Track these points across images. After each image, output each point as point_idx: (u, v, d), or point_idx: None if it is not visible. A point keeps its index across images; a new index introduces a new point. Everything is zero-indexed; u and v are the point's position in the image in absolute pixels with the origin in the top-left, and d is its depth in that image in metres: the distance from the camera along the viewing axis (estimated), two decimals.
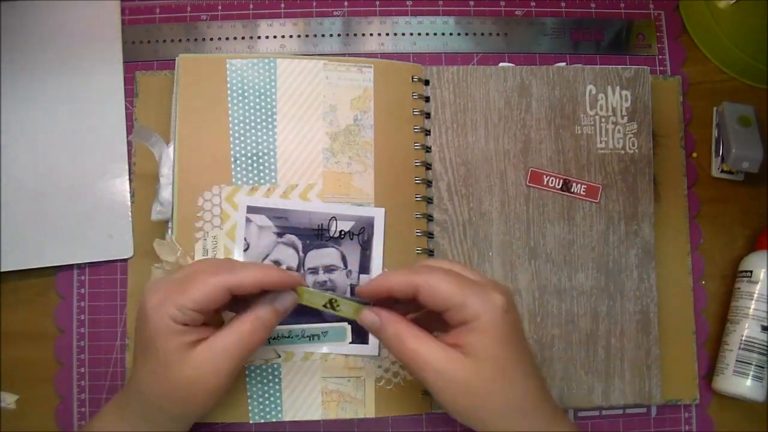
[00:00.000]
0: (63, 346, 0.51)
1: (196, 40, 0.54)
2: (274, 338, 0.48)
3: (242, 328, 0.39)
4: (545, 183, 0.52)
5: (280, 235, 0.48)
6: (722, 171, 0.56)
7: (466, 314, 0.37)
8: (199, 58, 0.50)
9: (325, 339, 0.48)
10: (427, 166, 0.51)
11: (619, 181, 0.53)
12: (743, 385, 0.51)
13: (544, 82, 0.53)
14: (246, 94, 0.49)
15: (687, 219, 0.55)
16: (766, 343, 0.51)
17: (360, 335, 0.48)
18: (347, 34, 0.55)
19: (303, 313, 0.48)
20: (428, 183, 0.51)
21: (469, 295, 0.38)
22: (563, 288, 0.52)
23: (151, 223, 0.50)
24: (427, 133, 0.52)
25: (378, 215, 0.49)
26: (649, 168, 0.53)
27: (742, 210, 0.56)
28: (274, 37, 0.55)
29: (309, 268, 0.48)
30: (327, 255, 0.49)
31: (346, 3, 0.56)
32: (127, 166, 0.52)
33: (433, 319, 0.40)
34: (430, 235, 0.51)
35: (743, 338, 0.51)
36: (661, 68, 0.57)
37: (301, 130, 0.50)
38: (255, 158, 0.49)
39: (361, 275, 0.49)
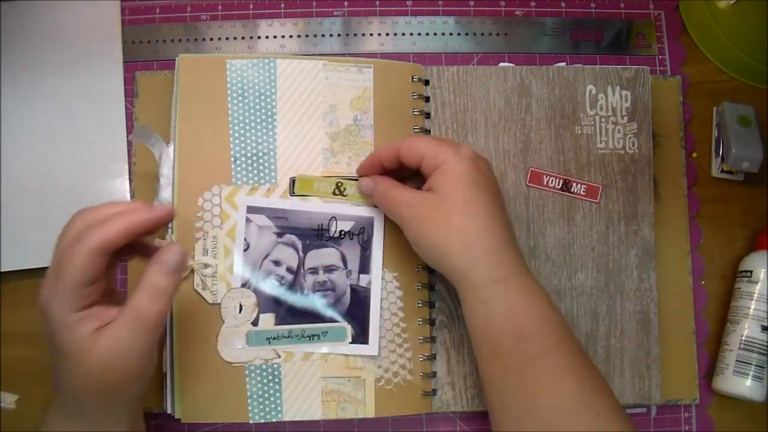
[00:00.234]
0: None
1: (196, 40, 0.54)
2: (274, 338, 0.48)
3: (139, 304, 0.36)
4: (545, 183, 0.52)
5: (280, 235, 0.48)
6: (722, 171, 0.56)
7: (437, 160, 0.43)
8: (199, 58, 0.50)
9: (325, 339, 0.48)
10: None
11: (619, 181, 0.53)
12: (743, 385, 0.51)
13: (544, 82, 0.53)
14: (246, 94, 0.49)
15: (687, 219, 0.55)
16: (766, 343, 0.51)
17: (360, 335, 0.48)
18: (347, 34, 0.55)
19: (303, 313, 0.48)
20: None
21: (441, 146, 0.44)
22: (563, 288, 0.52)
23: None
24: (427, 133, 0.52)
25: (378, 215, 0.49)
26: (649, 168, 0.53)
27: (742, 210, 0.56)
28: (274, 37, 0.55)
29: (309, 268, 0.48)
30: (327, 255, 0.49)
31: (346, 3, 0.56)
32: (127, 166, 0.52)
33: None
34: None
35: (743, 338, 0.51)
36: (661, 68, 0.57)
37: (301, 130, 0.50)
38: (255, 158, 0.49)
39: (361, 275, 0.49)
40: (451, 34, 0.56)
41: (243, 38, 0.55)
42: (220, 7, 0.55)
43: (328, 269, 0.49)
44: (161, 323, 0.37)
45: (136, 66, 0.53)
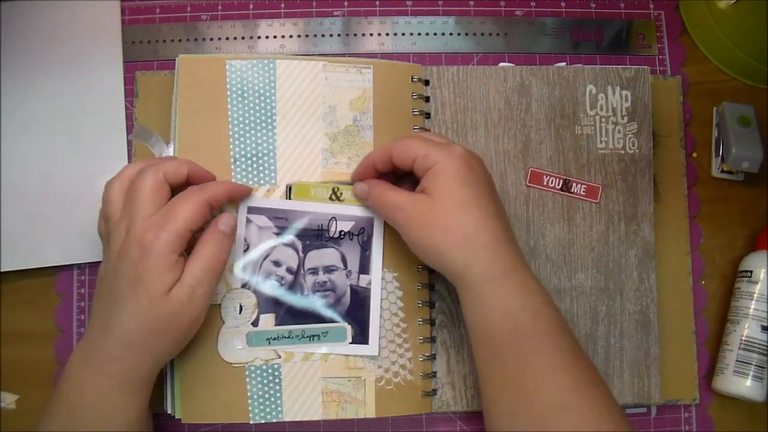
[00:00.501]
0: (63, 346, 0.51)
1: (196, 40, 0.54)
2: (275, 339, 0.48)
3: (210, 254, 0.41)
4: (545, 183, 0.52)
5: (280, 235, 0.48)
6: (722, 171, 0.56)
7: (429, 161, 0.43)
8: (198, 58, 0.50)
9: (325, 339, 0.48)
10: None
11: (619, 181, 0.53)
12: (743, 385, 0.51)
13: (544, 82, 0.53)
14: (245, 94, 0.49)
15: (687, 219, 0.55)
16: (766, 343, 0.51)
17: (360, 335, 0.48)
18: (347, 34, 0.55)
19: (303, 313, 0.48)
20: None
21: (432, 146, 0.44)
22: (563, 288, 0.52)
23: None
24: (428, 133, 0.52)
25: (378, 216, 0.49)
26: (649, 168, 0.53)
27: (742, 210, 0.56)
28: (274, 37, 0.55)
29: (309, 269, 0.48)
30: (327, 255, 0.49)
31: (346, 3, 0.56)
32: None
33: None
34: None
35: (743, 338, 0.51)
36: (661, 68, 0.57)
37: (300, 131, 0.50)
38: (255, 159, 0.49)
39: (361, 275, 0.49)
40: (451, 34, 0.56)
41: (243, 38, 0.55)
42: (220, 7, 0.55)
43: (328, 270, 0.49)
44: (219, 277, 0.43)
45: (136, 66, 0.53)
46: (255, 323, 0.47)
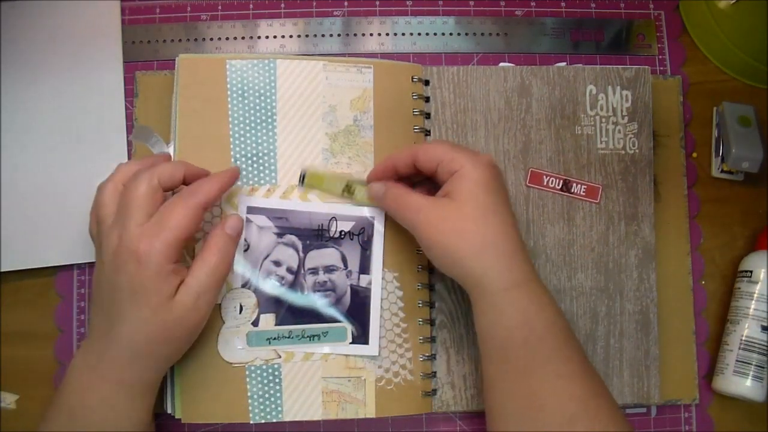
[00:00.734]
0: (63, 346, 0.51)
1: (196, 40, 0.54)
2: (275, 338, 0.48)
3: (211, 261, 0.41)
4: (545, 183, 0.52)
5: (280, 235, 0.48)
6: (722, 171, 0.56)
7: (454, 165, 0.43)
8: (198, 58, 0.50)
9: (325, 339, 0.48)
10: None
11: (619, 182, 0.53)
12: (743, 385, 0.51)
13: (545, 82, 0.53)
14: (246, 94, 0.49)
15: (687, 219, 0.55)
16: (766, 343, 0.51)
17: (360, 335, 0.48)
18: (347, 34, 0.55)
19: (303, 313, 0.48)
20: None
21: (458, 151, 0.43)
22: (563, 288, 0.52)
23: None
24: (427, 133, 0.52)
25: (378, 215, 0.49)
26: (650, 168, 0.53)
27: (742, 210, 0.56)
28: (274, 37, 0.55)
29: (309, 269, 0.48)
30: (327, 255, 0.49)
31: (346, 3, 0.56)
32: None
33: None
34: None
35: (743, 338, 0.51)
36: (661, 68, 0.57)
37: (301, 131, 0.50)
38: (255, 158, 0.49)
39: (361, 275, 0.49)
40: (451, 34, 0.56)
41: (243, 38, 0.55)
42: (220, 7, 0.55)
43: (329, 269, 0.49)
44: (222, 283, 0.42)
45: (136, 66, 0.53)
46: (255, 323, 0.47)
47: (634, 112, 0.53)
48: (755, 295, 0.52)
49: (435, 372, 0.50)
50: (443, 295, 0.51)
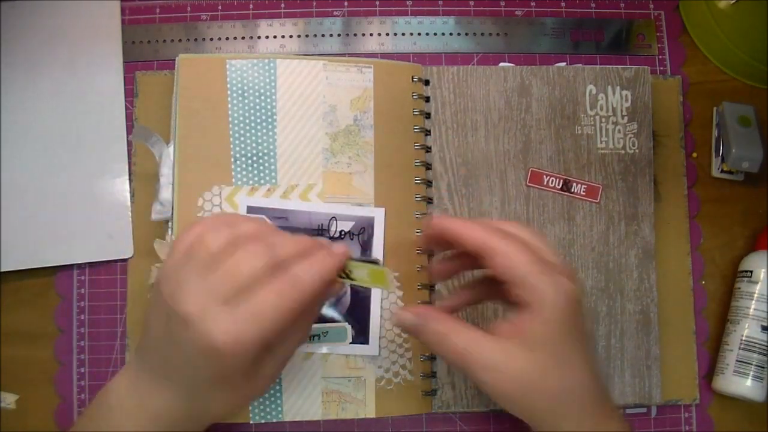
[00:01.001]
0: (63, 346, 0.51)
1: (196, 40, 0.54)
2: None
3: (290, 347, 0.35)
4: (545, 183, 0.52)
5: None
6: (722, 171, 0.56)
7: (533, 296, 0.35)
8: (198, 58, 0.50)
9: (326, 339, 0.48)
10: (427, 166, 0.51)
11: (619, 181, 0.53)
12: (743, 385, 0.51)
13: (544, 82, 0.53)
14: (246, 94, 0.49)
15: (687, 219, 0.55)
16: (766, 343, 0.51)
17: (360, 335, 0.48)
18: (347, 34, 0.55)
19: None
20: (428, 183, 0.51)
21: (542, 277, 0.35)
22: None
23: (151, 223, 0.50)
24: (427, 133, 0.52)
25: (378, 215, 0.49)
26: (649, 168, 0.53)
27: (742, 210, 0.56)
28: (274, 37, 0.55)
29: None
30: None
31: (346, 3, 0.56)
32: (127, 166, 0.52)
33: (486, 284, 0.41)
34: None
35: (743, 338, 0.51)
36: (661, 68, 0.57)
37: (301, 131, 0.50)
38: (255, 158, 0.49)
39: None
40: (451, 34, 0.56)
41: (243, 38, 0.55)
42: (220, 7, 0.55)
43: None
44: (283, 334, 0.34)
45: (136, 66, 0.53)
46: None
47: (634, 112, 0.53)
48: (755, 295, 0.52)
49: (435, 372, 0.50)
50: (443, 295, 0.51)
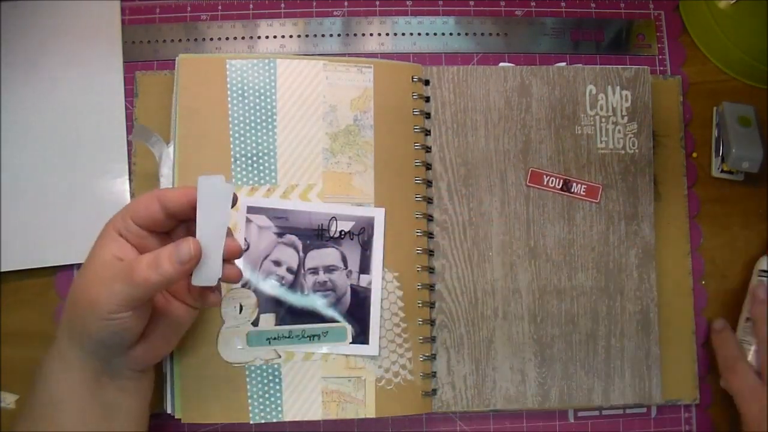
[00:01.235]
0: None
1: (196, 40, 0.54)
2: (275, 338, 0.48)
3: (137, 263, 0.38)
4: (545, 183, 0.52)
5: (280, 235, 0.48)
6: (722, 171, 0.56)
7: None
8: (198, 58, 0.50)
9: (326, 339, 0.48)
10: (427, 166, 0.51)
11: (619, 181, 0.53)
12: None
13: (544, 82, 0.53)
14: (246, 94, 0.49)
15: (687, 219, 0.55)
16: None
17: (360, 335, 0.48)
18: (347, 34, 0.55)
19: (303, 313, 0.48)
20: (428, 183, 0.51)
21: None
22: (563, 288, 0.52)
23: None
24: (427, 133, 0.52)
25: (378, 215, 0.49)
26: (649, 168, 0.53)
27: (742, 210, 0.56)
28: (274, 37, 0.55)
29: (309, 268, 0.48)
30: (327, 255, 0.49)
31: (346, 3, 0.56)
32: (127, 166, 0.52)
33: None
34: (430, 235, 0.51)
35: None
36: (661, 68, 0.57)
37: (301, 131, 0.50)
38: (255, 158, 0.49)
39: (361, 275, 0.49)
40: (451, 34, 0.56)
41: (243, 38, 0.55)
42: (220, 7, 0.55)
43: (329, 269, 0.49)
44: (143, 292, 0.37)
45: (136, 66, 0.53)
46: (255, 323, 0.47)
47: (634, 112, 0.53)
48: None
49: (435, 372, 0.50)
50: (443, 295, 0.51)
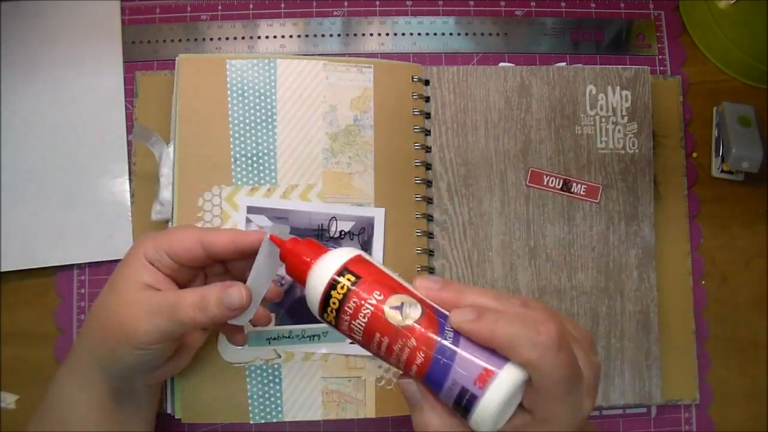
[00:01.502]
0: (63, 346, 0.51)
1: (196, 40, 0.54)
2: (275, 338, 0.48)
3: (186, 297, 0.37)
4: (545, 183, 0.52)
5: None
6: (722, 171, 0.56)
7: (530, 368, 0.31)
8: (199, 58, 0.50)
9: (326, 339, 0.48)
10: (427, 166, 0.51)
11: (619, 181, 0.53)
12: None
13: (544, 82, 0.53)
14: (246, 94, 0.49)
15: (687, 219, 0.55)
16: None
17: None
18: (347, 34, 0.55)
19: (303, 313, 0.48)
20: (428, 183, 0.51)
21: (521, 334, 0.31)
22: (563, 288, 0.52)
23: (151, 223, 0.50)
24: (427, 133, 0.52)
25: (378, 215, 0.49)
26: (649, 168, 0.53)
27: (742, 210, 0.56)
28: (274, 37, 0.55)
29: None
30: None
31: (346, 3, 0.56)
32: (127, 166, 0.52)
33: None
34: (430, 235, 0.51)
35: None
36: (661, 68, 0.57)
37: (301, 131, 0.50)
38: (255, 158, 0.49)
39: None
40: (451, 34, 0.56)
41: (243, 38, 0.55)
42: (220, 7, 0.55)
43: None
44: (186, 329, 0.39)
45: (136, 66, 0.53)
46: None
47: (634, 112, 0.53)
48: None
49: None
50: None
